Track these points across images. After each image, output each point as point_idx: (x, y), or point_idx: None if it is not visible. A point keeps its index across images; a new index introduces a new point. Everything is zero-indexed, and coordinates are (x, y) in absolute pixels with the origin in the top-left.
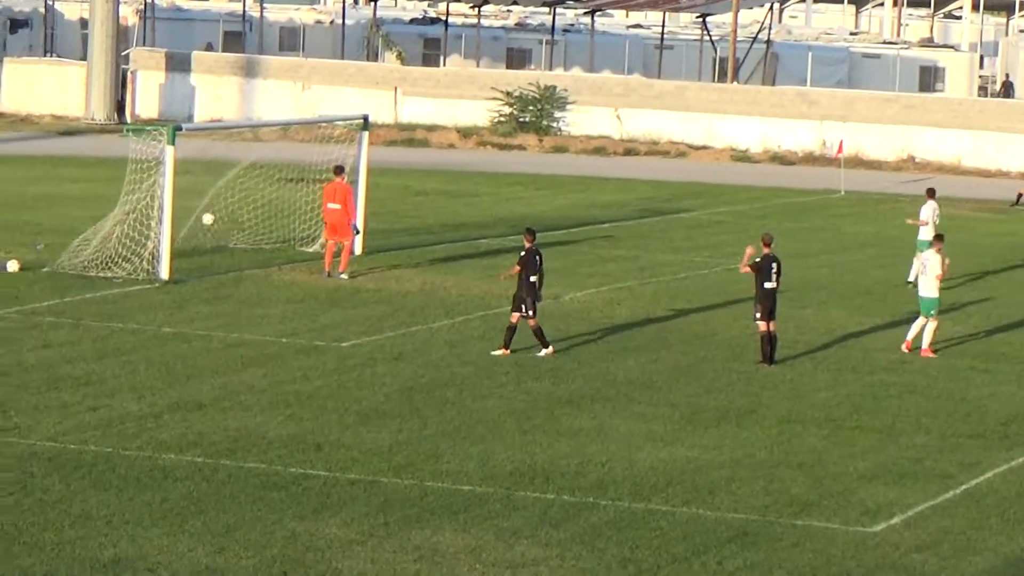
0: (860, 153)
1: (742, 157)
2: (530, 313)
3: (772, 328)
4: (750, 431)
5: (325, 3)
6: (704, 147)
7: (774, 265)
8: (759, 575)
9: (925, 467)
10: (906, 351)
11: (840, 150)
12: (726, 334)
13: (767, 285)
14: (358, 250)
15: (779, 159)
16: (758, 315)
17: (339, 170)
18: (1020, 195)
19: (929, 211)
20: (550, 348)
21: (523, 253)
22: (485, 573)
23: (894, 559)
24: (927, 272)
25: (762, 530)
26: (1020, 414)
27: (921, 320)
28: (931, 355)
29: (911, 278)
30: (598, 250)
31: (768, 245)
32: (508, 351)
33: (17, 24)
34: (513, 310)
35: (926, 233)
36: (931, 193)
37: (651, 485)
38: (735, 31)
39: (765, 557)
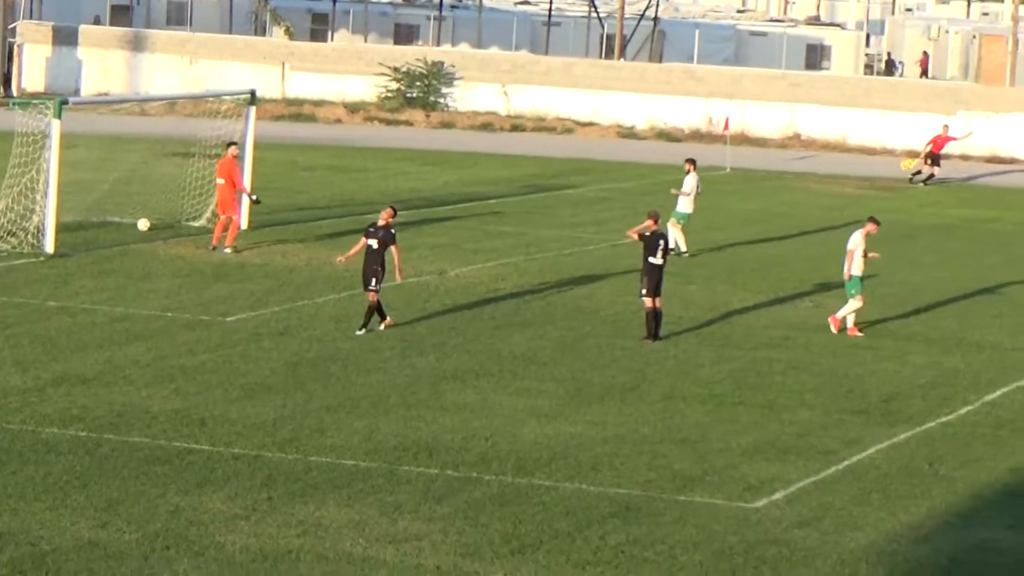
0: (746, 130)
1: (628, 134)
2: (378, 288)
3: (658, 304)
4: (634, 407)
5: None
6: (591, 124)
7: (661, 242)
8: (641, 550)
9: (807, 443)
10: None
11: (726, 127)
12: (611, 310)
13: (653, 261)
14: (244, 225)
15: (665, 136)
16: (644, 291)
17: (230, 145)
18: (919, 171)
19: (692, 182)
20: (388, 319)
21: (380, 229)
22: (368, 548)
23: (776, 534)
24: (856, 253)
25: (645, 505)
26: (902, 391)
27: (858, 301)
28: (857, 333)
29: (683, 248)
30: (484, 226)
31: (655, 221)
32: (390, 319)
33: None
34: (368, 288)
35: (685, 204)
36: (692, 164)
37: (535, 460)
38: (622, 8)
39: (648, 532)
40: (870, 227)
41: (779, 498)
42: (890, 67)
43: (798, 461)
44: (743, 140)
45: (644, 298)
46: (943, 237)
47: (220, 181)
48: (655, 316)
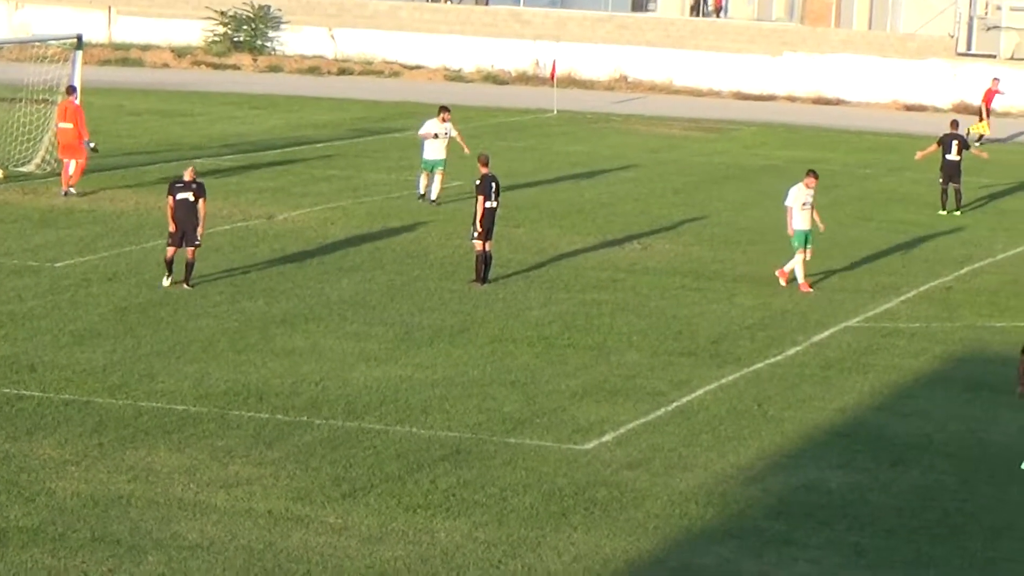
0: (573, 73)
1: (456, 77)
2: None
3: (488, 247)
4: (463, 349)
5: None
6: (418, 67)
7: (493, 184)
8: (472, 493)
9: (636, 385)
10: (808, 289)
11: (553, 70)
12: (439, 253)
13: (488, 204)
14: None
15: (492, 79)
16: (476, 234)
17: (71, 90)
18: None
19: (444, 128)
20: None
21: (192, 183)
22: (199, 493)
23: (605, 476)
24: (802, 205)
25: (475, 448)
26: (730, 332)
27: (800, 255)
28: (808, 289)
29: (421, 191)
30: (312, 170)
31: (485, 165)
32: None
33: None
34: (177, 244)
35: (436, 151)
36: (445, 111)
37: (364, 404)
38: None
39: (478, 475)
40: (808, 180)
41: (609, 440)
42: (720, 9)
43: (627, 403)
44: (570, 83)
45: (475, 241)
46: (769, 179)
47: (66, 125)
48: (485, 259)
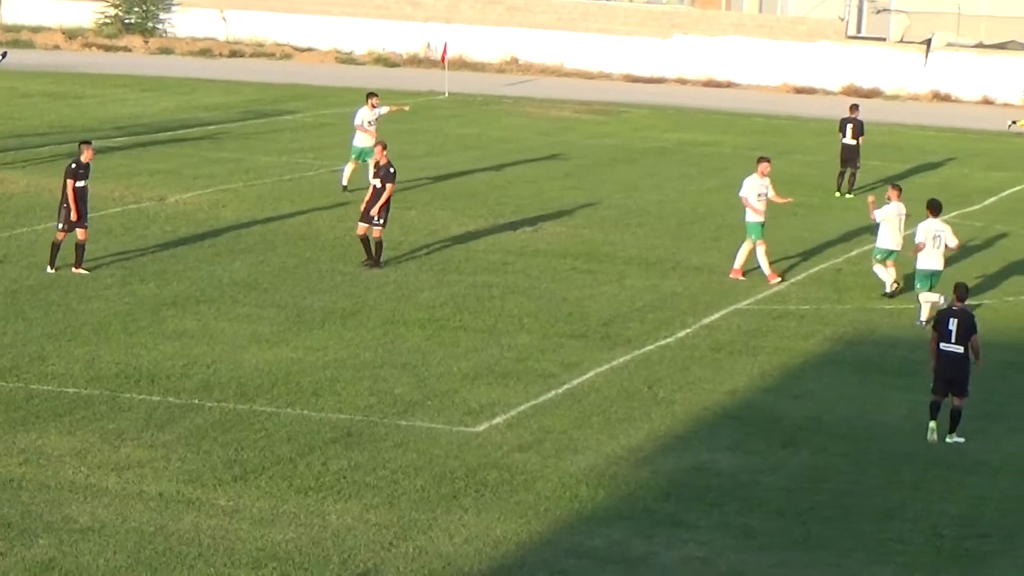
0: (464, 55)
1: (347, 59)
2: (62, 227)
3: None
4: (355, 332)
5: None
6: (309, 49)
7: (392, 170)
8: (364, 475)
9: (527, 367)
10: (739, 277)
11: (444, 52)
12: (330, 235)
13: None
14: None
15: (384, 61)
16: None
17: None
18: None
19: (374, 115)
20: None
21: (87, 165)
22: (90, 475)
23: (496, 458)
24: (760, 197)
25: (366, 430)
26: (621, 314)
27: (747, 245)
28: (740, 277)
29: (345, 181)
30: (203, 152)
31: (384, 148)
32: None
33: None
34: (70, 229)
35: (366, 139)
36: (374, 96)
37: (256, 386)
38: None
39: (369, 457)
40: (761, 167)
41: (499, 422)
42: None
43: (518, 385)
44: (461, 65)
45: (376, 225)
46: (660, 161)
47: None
48: (367, 241)
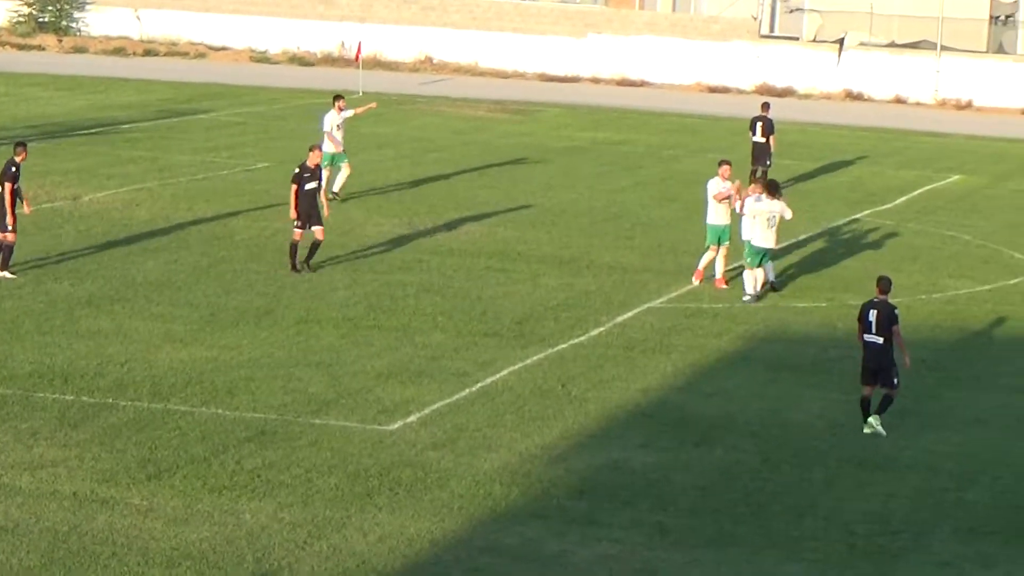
0: (378, 55)
1: (262, 58)
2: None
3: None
4: (269, 331)
5: None
6: (224, 48)
7: (320, 172)
8: (277, 474)
9: (441, 366)
10: (697, 282)
11: (359, 51)
12: (245, 235)
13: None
14: None
15: (298, 60)
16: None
17: None
18: None
19: (341, 118)
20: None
21: (16, 169)
22: (3, 475)
23: (410, 457)
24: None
25: (280, 429)
26: (534, 313)
27: (711, 250)
28: (724, 286)
29: (336, 188)
30: (118, 151)
31: (319, 150)
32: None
33: None
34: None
35: (336, 144)
36: (340, 99)
37: (170, 385)
38: None
39: (284, 455)
40: (722, 171)
41: (413, 420)
42: None
43: (432, 384)
44: (376, 64)
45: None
46: (574, 160)
47: None
48: (307, 245)
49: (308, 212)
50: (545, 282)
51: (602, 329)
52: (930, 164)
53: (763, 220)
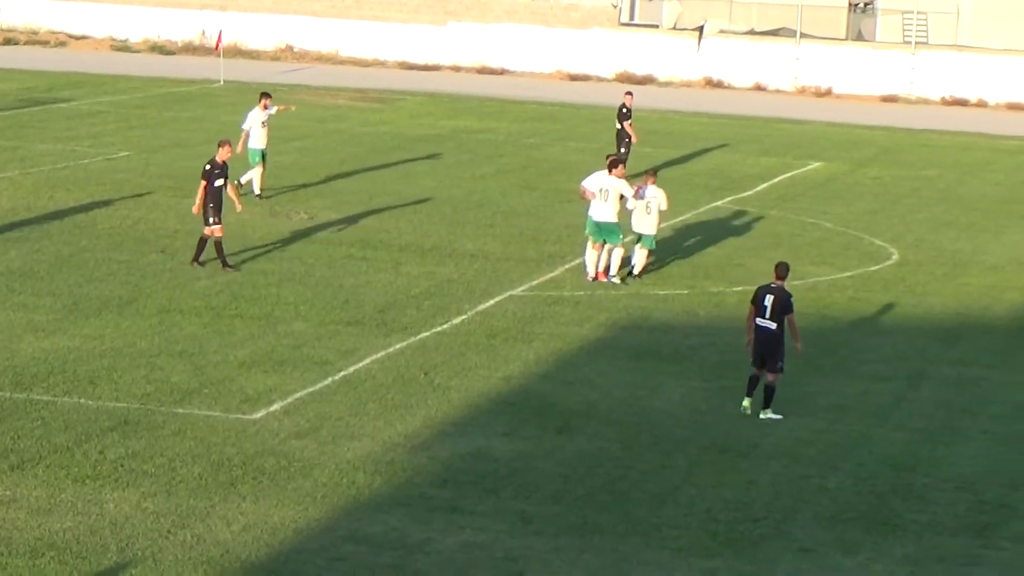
0: (239, 43)
1: (122, 47)
2: None
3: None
4: (131, 320)
5: None
6: (84, 37)
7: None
8: (141, 463)
9: (304, 354)
10: (600, 279)
11: (219, 40)
12: (106, 224)
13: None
14: None
15: (159, 49)
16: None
17: None
18: None
19: (266, 115)
20: None
21: None
22: None
23: (273, 445)
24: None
25: (144, 418)
26: (396, 301)
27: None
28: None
29: (257, 190)
30: None
31: (227, 146)
32: None
33: None
34: None
35: (263, 139)
36: (267, 96)
37: (32, 375)
38: None
39: (147, 445)
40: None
41: (276, 409)
42: None
43: (295, 372)
44: (236, 53)
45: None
46: (435, 148)
47: None
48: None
49: (218, 208)
50: (407, 270)
51: (464, 317)
52: (790, 151)
53: (598, 192)
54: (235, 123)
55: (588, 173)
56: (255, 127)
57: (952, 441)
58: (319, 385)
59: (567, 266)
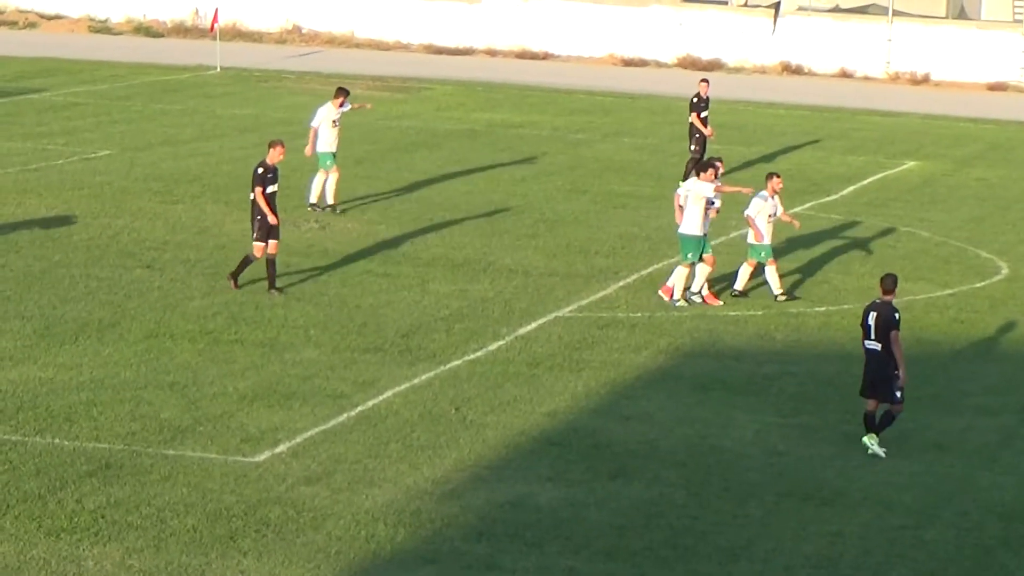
0: (238, 24)
1: (102, 28)
2: None
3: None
4: (113, 347)
5: None
6: (57, 16)
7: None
8: (125, 514)
9: (315, 386)
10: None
11: (215, 20)
12: (84, 235)
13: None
14: None
15: (145, 31)
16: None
17: None
18: None
19: (338, 113)
20: None
21: None
22: None
23: (280, 492)
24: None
25: (128, 461)
26: (423, 324)
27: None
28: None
29: (313, 198)
30: None
31: (275, 147)
32: None
33: None
34: None
35: (334, 142)
36: (344, 93)
37: None
38: None
39: (132, 493)
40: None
41: (283, 451)
42: None
43: (304, 408)
44: (235, 35)
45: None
46: (467, 146)
47: None
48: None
49: (266, 220)
50: (435, 288)
51: (502, 343)
52: (881, 148)
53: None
54: (236, 117)
55: (647, 173)
56: (324, 125)
57: None
58: (332, 422)
59: (622, 283)
